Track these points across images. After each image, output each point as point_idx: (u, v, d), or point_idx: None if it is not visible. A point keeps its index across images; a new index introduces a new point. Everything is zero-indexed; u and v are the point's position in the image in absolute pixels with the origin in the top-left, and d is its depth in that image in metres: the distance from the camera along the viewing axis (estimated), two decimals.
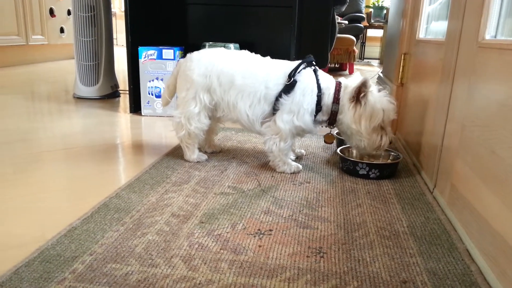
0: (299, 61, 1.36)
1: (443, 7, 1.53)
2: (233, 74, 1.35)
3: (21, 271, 0.77)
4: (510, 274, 0.72)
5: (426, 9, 1.74)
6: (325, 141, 1.49)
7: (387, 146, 1.36)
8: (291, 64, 1.37)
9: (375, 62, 6.62)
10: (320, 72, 1.37)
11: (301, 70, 1.34)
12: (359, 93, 1.29)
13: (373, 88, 1.31)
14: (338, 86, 1.34)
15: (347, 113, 1.32)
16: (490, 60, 0.91)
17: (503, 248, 0.75)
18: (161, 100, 1.57)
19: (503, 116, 0.81)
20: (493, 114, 0.86)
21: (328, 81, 1.35)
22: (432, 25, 1.70)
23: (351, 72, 4.84)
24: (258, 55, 1.43)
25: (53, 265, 0.80)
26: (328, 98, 1.33)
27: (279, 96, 1.32)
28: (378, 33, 6.70)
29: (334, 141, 1.55)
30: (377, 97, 1.31)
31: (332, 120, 1.36)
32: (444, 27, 1.32)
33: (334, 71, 4.89)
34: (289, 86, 1.32)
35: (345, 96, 1.32)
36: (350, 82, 1.34)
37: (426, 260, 0.86)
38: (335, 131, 1.49)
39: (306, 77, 1.34)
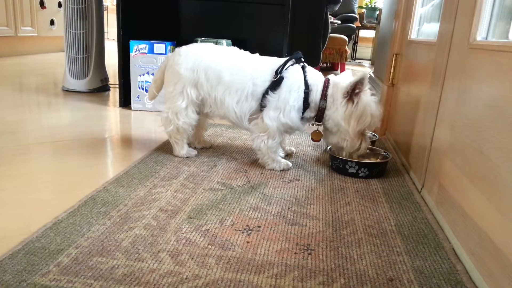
0: (287, 58, 1.36)
1: (435, 9, 1.54)
2: (221, 69, 1.34)
3: (4, 263, 0.76)
4: (496, 273, 0.72)
5: (419, 10, 1.75)
6: (312, 139, 1.47)
7: (363, 152, 1.36)
8: (279, 61, 1.36)
9: (367, 63, 6.65)
10: (309, 68, 1.37)
11: (288, 66, 1.33)
12: (354, 90, 1.29)
13: (367, 90, 1.31)
14: (327, 82, 1.34)
15: (339, 109, 1.31)
16: (481, 61, 0.92)
17: (489, 247, 0.76)
18: (148, 95, 1.56)
19: (492, 117, 0.81)
20: (482, 115, 0.86)
21: (316, 78, 1.35)
22: (424, 27, 1.70)
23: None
24: (247, 52, 1.42)
25: (37, 257, 0.78)
26: (316, 95, 1.33)
27: (266, 93, 1.32)
28: (370, 33, 6.73)
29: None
30: (369, 100, 1.31)
31: (320, 116, 1.36)
32: (436, 29, 1.33)
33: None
34: (276, 83, 1.31)
35: (337, 92, 1.31)
36: (340, 79, 1.34)
37: (412, 259, 0.87)
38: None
39: (293, 73, 1.33)
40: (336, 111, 1.32)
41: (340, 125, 1.32)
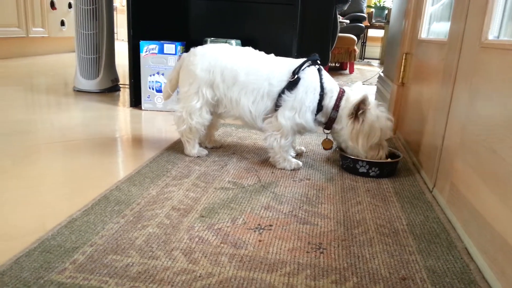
0: (304, 59, 1.36)
1: (445, 7, 1.53)
2: (237, 70, 1.35)
3: (22, 261, 0.77)
4: (509, 272, 0.72)
5: (429, 9, 1.74)
6: (323, 148, 1.50)
7: (383, 158, 1.37)
8: (295, 62, 1.37)
9: (375, 62, 6.62)
10: (324, 72, 1.38)
11: (305, 68, 1.34)
12: (358, 110, 1.30)
13: (372, 105, 1.32)
14: (341, 93, 1.36)
15: (345, 129, 1.34)
16: (493, 60, 0.91)
17: (502, 247, 0.76)
18: (162, 94, 1.57)
19: (505, 116, 0.81)
20: (495, 114, 0.86)
21: (332, 84, 1.37)
22: (434, 26, 1.70)
23: (351, 71, 4.84)
24: (262, 52, 1.43)
25: (53, 255, 0.80)
26: (329, 101, 1.35)
27: (282, 92, 1.33)
28: (379, 33, 6.70)
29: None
30: (375, 115, 1.32)
31: (329, 125, 1.38)
32: (446, 28, 1.33)
33: (334, 70, 4.90)
34: (293, 83, 1.32)
35: (344, 110, 1.33)
36: (352, 93, 1.35)
37: (425, 258, 0.87)
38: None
39: (310, 75, 1.34)
40: (343, 129, 1.34)
41: (348, 144, 1.35)
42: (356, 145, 1.33)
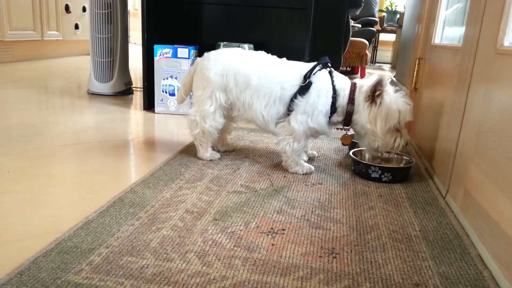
0: (315, 63, 1.37)
1: (459, 12, 1.53)
2: (250, 74, 1.36)
3: (39, 261, 0.79)
4: None
5: (443, 14, 1.74)
6: (342, 143, 1.49)
7: (401, 148, 1.35)
8: (307, 66, 1.37)
9: (387, 67, 6.59)
10: (336, 73, 1.38)
11: (316, 71, 1.35)
12: (375, 92, 1.29)
13: (389, 88, 1.31)
14: (353, 86, 1.35)
15: (362, 113, 1.32)
16: (508, 66, 0.91)
17: None
18: (176, 98, 1.59)
19: None
20: (510, 120, 0.86)
21: (343, 82, 1.36)
22: (448, 31, 1.69)
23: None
24: (275, 56, 1.44)
25: (70, 256, 0.81)
26: (343, 99, 1.34)
27: (294, 97, 1.33)
28: (391, 37, 6.68)
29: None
30: (393, 97, 1.30)
31: (348, 121, 1.36)
32: (460, 33, 1.32)
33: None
34: (304, 88, 1.32)
35: (360, 96, 1.32)
36: (365, 82, 1.34)
37: (438, 264, 0.87)
38: (351, 132, 1.49)
39: (321, 78, 1.34)
40: (361, 115, 1.32)
41: (366, 128, 1.33)
42: (375, 128, 1.31)
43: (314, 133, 1.38)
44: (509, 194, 0.82)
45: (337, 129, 1.45)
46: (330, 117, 1.35)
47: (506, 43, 0.97)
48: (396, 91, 1.33)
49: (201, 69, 1.41)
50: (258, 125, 1.42)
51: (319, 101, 1.32)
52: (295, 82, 1.34)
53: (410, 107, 1.32)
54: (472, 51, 1.15)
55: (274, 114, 1.37)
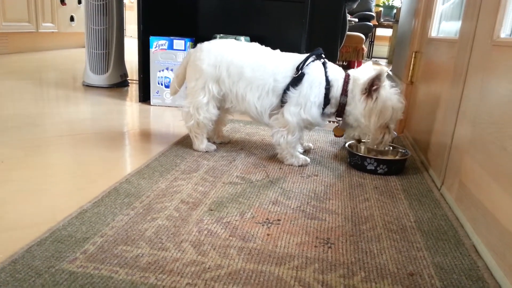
0: (308, 54, 1.36)
1: (456, 6, 1.53)
2: (243, 65, 1.35)
3: (33, 250, 0.78)
4: None
5: (439, 7, 1.74)
6: (334, 135, 1.48)
7: (387, 144, 1.36)
8: (300, 57, 1.37)
9: (383, 61, 6.60)
10: (329, 64, 1.37)
11: (309, 63, 1.34)
12: (372, 86, 1.29)
13: (386, 83, 1.31)
14: (347, 77, 1.34)
15: (357, 106, 1.31)
16: (505, 58, 0.91)
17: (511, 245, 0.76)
18: (169, 90, 1.58)
19: None
20: (506, 112, 0.86)
21: (337, 73, 1.35)
22: (444, 24, 1.69)
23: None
24: (268, 48, 1.43)
25: (64, 245, 0.81)
26: (336, 91, 1.33)
27: (287, 88, 1.33)
28: (387, 32, 6.68)
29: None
30: (389, 93, 1.30)
31: (340, 112, 1.36)
32: (457, 26, 1.32)
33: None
34: (297, 79, 1.32)
35: (355, 88, 1.32)
36: (360, 74, 1.33)
37: (433, 255, 0.87)
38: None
39: (314, 70, 1.34)
40: (356, 107, 1.32)
41: (360, 121, 1.33)
42: (368, 123, 1.31)
43: (307, 125, 1.37)
44: (504, 185, 0.82)
45: (329, 121, 1.44)
46: (323, 109, 1.35)
47: (502, 35, 0.97)
48: (391, 87, 1.33)
49: (194, 60, 1.40)
50: (252, 117, 1.41)
51: (311, 92, 1.31)
52: (288, 73, 1.34)
53: (403, 106, 1.33)
54: (468, 43, 1.15)
55: (268, 106, 1.36)
